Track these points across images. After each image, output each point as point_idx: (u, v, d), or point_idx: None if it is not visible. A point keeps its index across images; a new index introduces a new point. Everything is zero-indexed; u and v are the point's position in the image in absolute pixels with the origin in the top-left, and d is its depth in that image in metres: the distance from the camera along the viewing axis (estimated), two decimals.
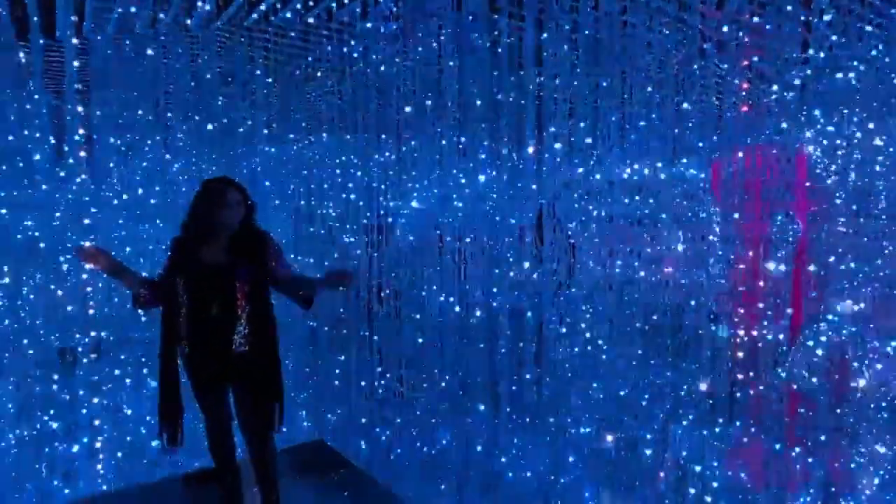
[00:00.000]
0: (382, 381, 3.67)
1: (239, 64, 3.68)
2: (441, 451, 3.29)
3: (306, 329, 4.02)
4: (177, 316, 2.59)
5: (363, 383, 3.78)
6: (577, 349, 3.08)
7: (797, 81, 2.69)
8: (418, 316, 3.54)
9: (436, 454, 3.30)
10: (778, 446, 2.59)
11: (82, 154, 3.35)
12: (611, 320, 2.90)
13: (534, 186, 3.22)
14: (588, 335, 3.06)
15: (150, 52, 3.41)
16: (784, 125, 2.73)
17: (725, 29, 2.64)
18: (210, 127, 3.63)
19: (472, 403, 3.33)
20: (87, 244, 2.59)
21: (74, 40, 3.10)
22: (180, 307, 2.58)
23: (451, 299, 3.39)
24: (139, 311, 2.87)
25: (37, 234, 3.42)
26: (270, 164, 3.90)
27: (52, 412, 3.47)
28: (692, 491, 2.70)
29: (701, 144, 2.80)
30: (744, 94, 2.69)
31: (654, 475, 2.78)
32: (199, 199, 2.64)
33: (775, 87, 2.79)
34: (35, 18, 3.38)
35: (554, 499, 2.90)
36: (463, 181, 3.34)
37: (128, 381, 3.57)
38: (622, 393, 2.94)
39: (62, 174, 3.46)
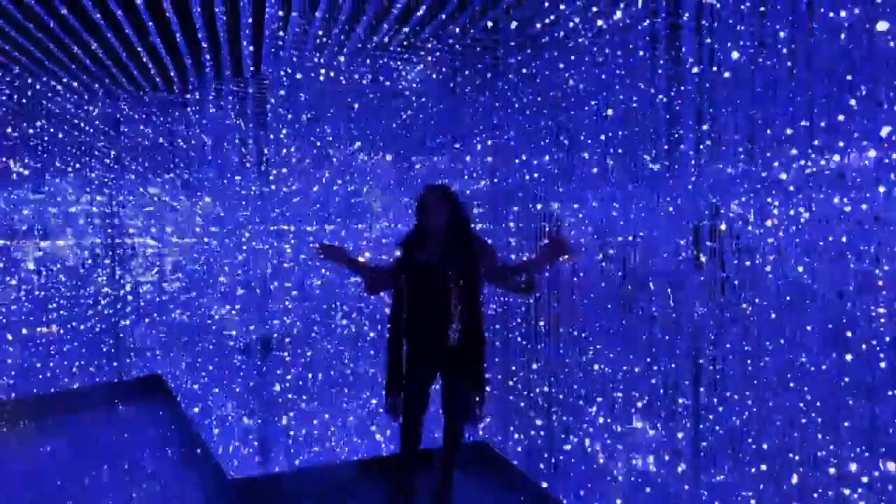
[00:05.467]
0: (546, 386, 3.60)
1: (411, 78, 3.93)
2: (606, 460, 3.15)
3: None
4: (401, 309, 2.89)
5: (527, 391, 3.75)
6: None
7: None
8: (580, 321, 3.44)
9: (601, 462, 3.17)
10: None
11: (284, 171, 3.83)
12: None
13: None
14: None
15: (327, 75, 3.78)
16: None
17: None
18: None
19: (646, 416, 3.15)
20: (325, 242, 3.04)
21: (282, 72, 3.54)
22: (403, 301, 2.88)
23: (610, 306, 3.24)
24: (370, 296, 3.23)
25: (246, 237, 3.95)
26: (439, 169, 4.11)
27: (247, 393, 3.94)
28: None
29: None
30: None
31: None
32: (415, 204, 2.94)
33: None
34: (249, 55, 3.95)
35: None
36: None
37: (304, 368, 3.93)
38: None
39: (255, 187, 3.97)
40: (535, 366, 3.65)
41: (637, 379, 3.20)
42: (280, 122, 3.83)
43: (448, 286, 2.78)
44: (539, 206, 3.62)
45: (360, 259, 3.13)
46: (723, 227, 2.91)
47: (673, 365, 3.06)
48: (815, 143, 2.42)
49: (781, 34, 2.53)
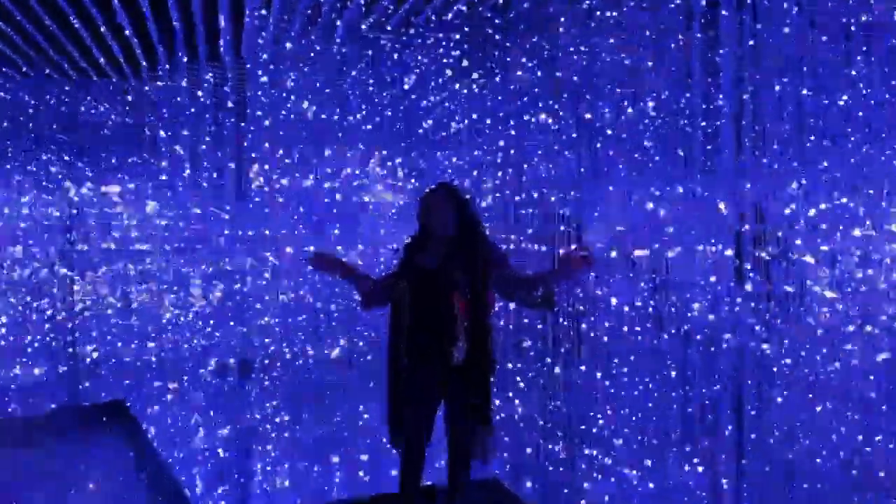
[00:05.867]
0: (566, 415, 3.45)
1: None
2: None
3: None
4: (400, 322, 2.68)
5: (541, 423, 3.59)
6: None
7: None
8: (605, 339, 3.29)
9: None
10: None
11: (266, 168, 3.61)
12: None
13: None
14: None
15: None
16: None
17: None
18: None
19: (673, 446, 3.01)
20: (317, 251, 2.85)
21: (264, 56, 3.34)
22: (403, 312, 2.67)
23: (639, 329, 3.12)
24: (366, 310, 3.00)
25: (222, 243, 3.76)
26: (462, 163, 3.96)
27: (221, 418, 3.83)
28: None
29: None
30: None
31: None
32: (419, 204, 2.79)
33: None
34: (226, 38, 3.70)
35: None
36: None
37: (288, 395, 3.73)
38: None
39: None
40: (552, 391, 3.52)
41: (670, 407, 3.03)
42: (262, 113, 3.67)
43: (451, 297, 2.58)
44: (558, 208, 3.48)
45: (356, 268, 2.92)
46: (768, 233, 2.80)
47: (713, 390, 2.94)
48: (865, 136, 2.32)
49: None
